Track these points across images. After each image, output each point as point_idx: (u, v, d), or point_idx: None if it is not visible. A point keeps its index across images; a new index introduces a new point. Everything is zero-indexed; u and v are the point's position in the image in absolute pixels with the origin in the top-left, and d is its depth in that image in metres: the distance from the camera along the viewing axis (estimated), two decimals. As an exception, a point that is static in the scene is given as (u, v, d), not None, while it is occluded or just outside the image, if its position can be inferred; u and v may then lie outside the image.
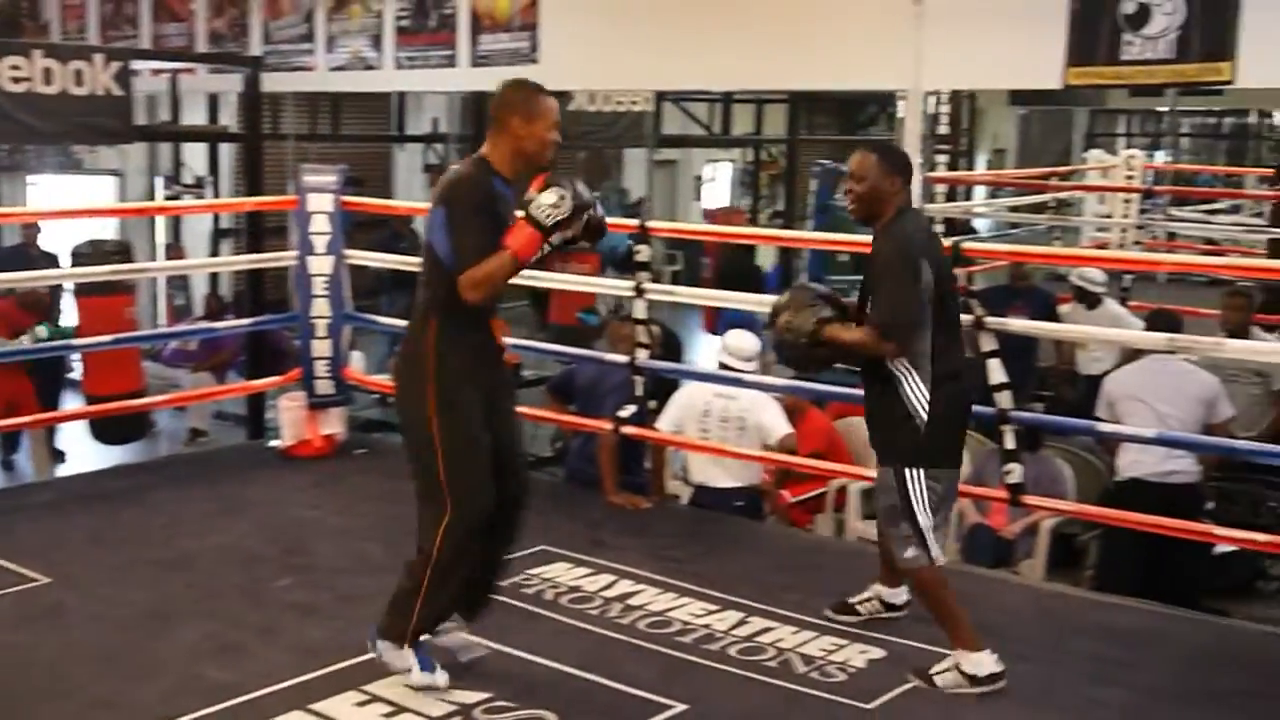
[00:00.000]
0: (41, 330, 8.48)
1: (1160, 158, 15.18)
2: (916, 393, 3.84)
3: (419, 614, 3.69)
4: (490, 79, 7.62)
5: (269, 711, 3.65)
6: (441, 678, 3.74)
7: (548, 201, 3.52)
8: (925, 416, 3.84)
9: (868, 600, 4.40)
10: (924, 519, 3.88)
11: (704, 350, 10.39)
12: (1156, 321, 5.89)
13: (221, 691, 3.75)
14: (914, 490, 3.87)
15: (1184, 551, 5.13)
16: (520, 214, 3.57)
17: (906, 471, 3.89)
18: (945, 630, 3.94)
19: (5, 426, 7.42)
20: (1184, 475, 5.52)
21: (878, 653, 4.15)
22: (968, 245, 5.53)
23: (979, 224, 15.54)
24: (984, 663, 3.85)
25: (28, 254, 9.85)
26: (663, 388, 6.04)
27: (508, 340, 3.92)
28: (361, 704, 3.69)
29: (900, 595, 4.36)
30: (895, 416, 3.90)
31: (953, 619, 3.92)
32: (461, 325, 3.65)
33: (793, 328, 4.02)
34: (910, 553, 3.91)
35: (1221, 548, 5.41)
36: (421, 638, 3.74)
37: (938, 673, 3.88)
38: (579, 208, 3.57)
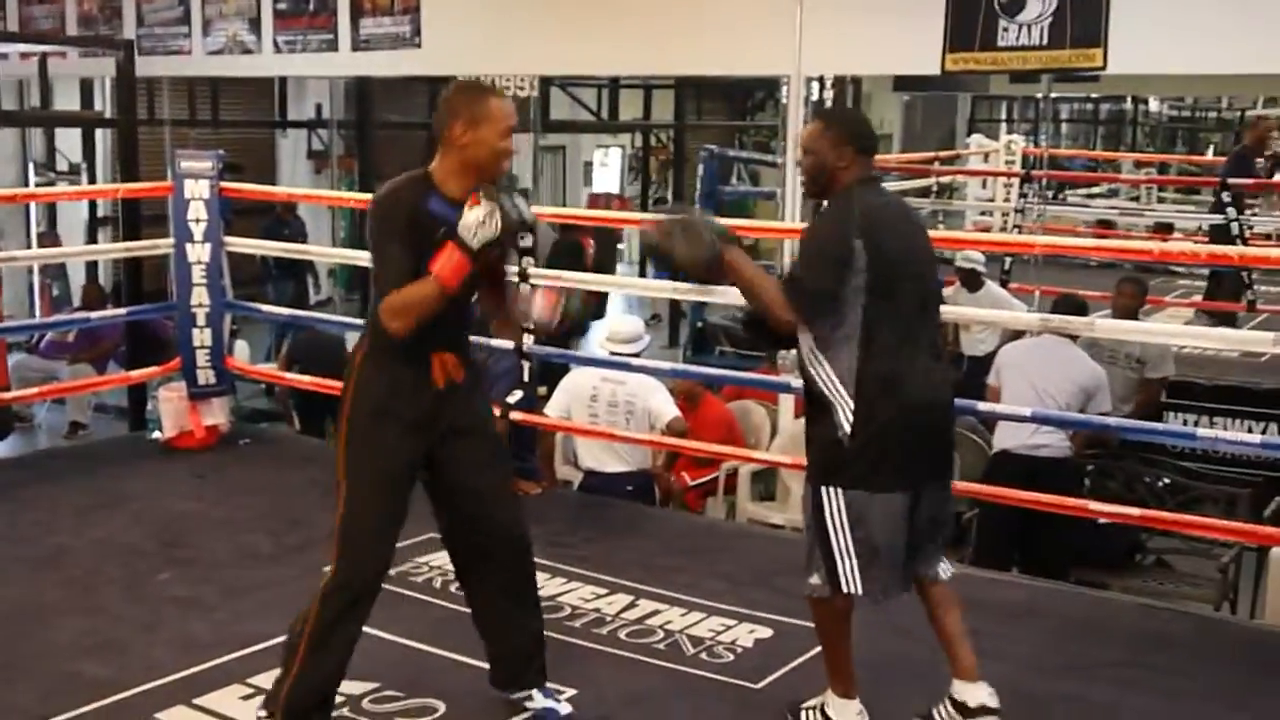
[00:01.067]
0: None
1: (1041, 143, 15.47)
2: (839, 399, 3.29)
3: (289, 689, 3.28)
4: (372, 64, 7.66)
5: (151, 707, 3.59)
6: None
7: (473, 220, 3.09)
8: (848, 428, 3.28)
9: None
10: (839, 544, 3.34)
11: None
12: (1062, 306, 6.03)
13: (101, 688, 3.68)
14: (829, 511, 3.33)
15: (1052, 525, 5.25)
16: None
17: (821, 490, 3.36)
18: (825, 664, 3.56)
19: None
20: (1052, 450, 5.65)
21: (765, 632, 4.20)
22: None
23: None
24: (848, 712, 3.52)
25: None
26: (552, 373, 6.02)
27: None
28: (246, 697, 3.63)
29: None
30: (815, 427, 3.40)
31: (836, 658, 3.52)
32: (389, 355, 3.25)
33: (690, 228, 3.34)
34: (814, 580, 3.41)
35: (1100, 521, 5.55)
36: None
37: (806, 708, 3.61)
38: (515, 224, 3.17)
